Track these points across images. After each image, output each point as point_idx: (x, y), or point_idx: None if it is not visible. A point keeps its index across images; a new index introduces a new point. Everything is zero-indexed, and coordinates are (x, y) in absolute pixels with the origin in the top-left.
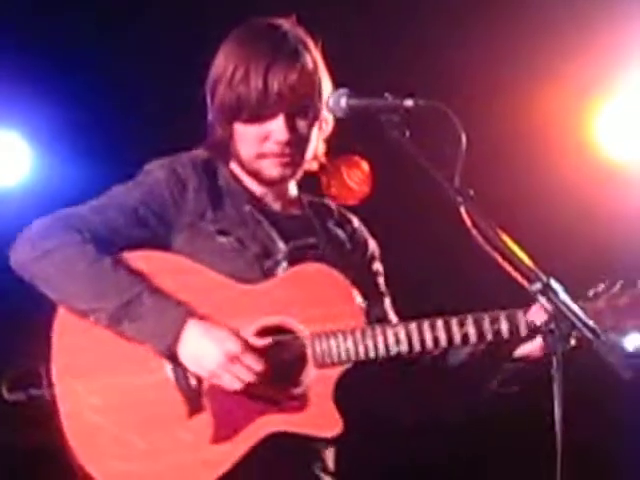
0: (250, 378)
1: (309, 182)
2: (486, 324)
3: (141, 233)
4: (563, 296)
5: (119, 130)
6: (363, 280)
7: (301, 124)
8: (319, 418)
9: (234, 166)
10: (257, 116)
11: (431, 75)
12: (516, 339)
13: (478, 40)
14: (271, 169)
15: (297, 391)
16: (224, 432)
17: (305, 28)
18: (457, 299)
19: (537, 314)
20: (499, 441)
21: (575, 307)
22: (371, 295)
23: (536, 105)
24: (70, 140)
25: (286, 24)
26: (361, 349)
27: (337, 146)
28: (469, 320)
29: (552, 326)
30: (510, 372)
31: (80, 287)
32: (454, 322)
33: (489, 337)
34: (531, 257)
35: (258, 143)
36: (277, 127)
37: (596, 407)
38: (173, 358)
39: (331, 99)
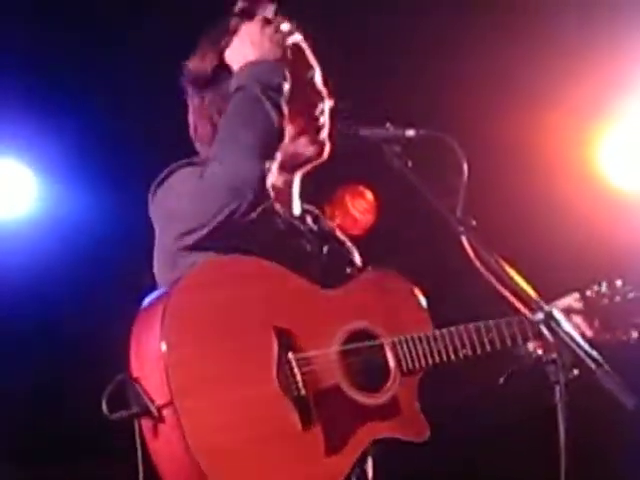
0: None
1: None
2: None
3: None
4: (565, 326)
5: (126, 157)
6: None
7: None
8: (410, 423)
9: None
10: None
11: (432, 105)
12: None
13: (479, 68)
14: (307, 147)
15: (388, 395)
16: (335, 443)
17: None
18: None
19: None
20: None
21: (577, 337)
22: None
23: (539, 134)
24: (76, 169)
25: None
26: (436, 353)
27: (341, 176)
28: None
29: (555, 356)
30: None
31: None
32: (503, 323)
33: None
34: (534, 286)
35: (299, 118)
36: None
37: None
38: None
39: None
